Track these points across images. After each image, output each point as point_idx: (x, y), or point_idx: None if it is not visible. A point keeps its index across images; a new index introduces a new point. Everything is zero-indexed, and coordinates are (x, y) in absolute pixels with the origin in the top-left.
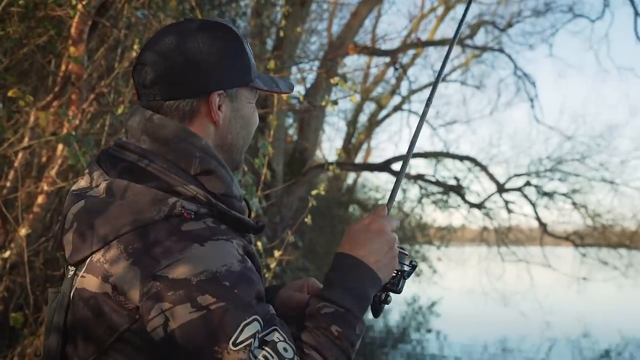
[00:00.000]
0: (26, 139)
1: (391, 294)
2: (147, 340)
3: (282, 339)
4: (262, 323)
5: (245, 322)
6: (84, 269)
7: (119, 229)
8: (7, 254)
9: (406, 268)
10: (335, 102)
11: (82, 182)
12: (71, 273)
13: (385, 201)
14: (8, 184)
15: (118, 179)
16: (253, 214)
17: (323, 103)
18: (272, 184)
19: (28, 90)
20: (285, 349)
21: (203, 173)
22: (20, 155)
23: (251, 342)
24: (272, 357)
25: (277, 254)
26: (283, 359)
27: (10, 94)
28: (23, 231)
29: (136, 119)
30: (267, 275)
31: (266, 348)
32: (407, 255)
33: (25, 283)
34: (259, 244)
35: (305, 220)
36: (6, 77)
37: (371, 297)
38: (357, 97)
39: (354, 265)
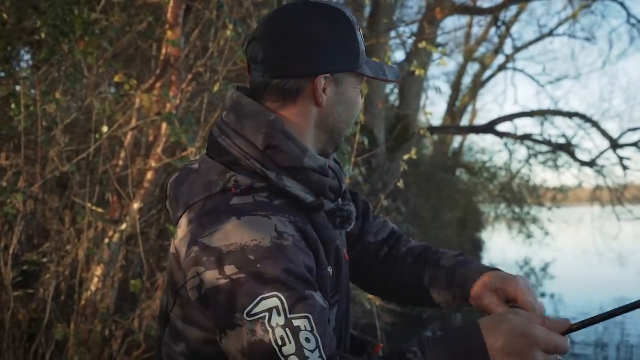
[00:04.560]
0: (133, 120)
1: None
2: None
3: (309, 328)
4: (285, 301)
5: (263, 295)
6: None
7: (188, 200)
8: (123, 226)
9: None
10: (422, 67)
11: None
12: None
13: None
14: (120, 162)
15: (203, 154)
16: (348, 180)
17: (412, 68)
18: (374, 152)
19: (134, 74)
20: (307, 339)
21: (269, 147)
22: (129, 135)
23: (265, 315)
24: (289, 342)
25: None
26: (301, 348)
27: (116, 79)
28: (136, 205)
29: (227, 97)
30: None
31: (287, 330)
32: None
33: (139, 252)
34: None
35: (398, 184)
36: (112, 63)
37: None
38: (446, 59)
39: (474, 345)
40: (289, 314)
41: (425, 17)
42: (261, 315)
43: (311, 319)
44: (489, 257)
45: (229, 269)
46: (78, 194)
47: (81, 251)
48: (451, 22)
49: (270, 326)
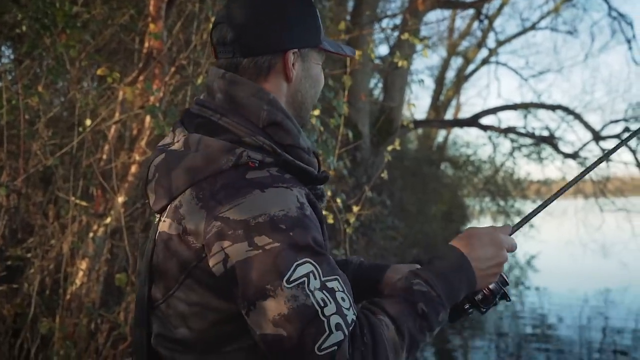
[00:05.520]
0: (117, 114)
1: (474, 309)
2: (211, 277)
3: (341, 289)
4: (316, 266)
5: (297, 262)
6: (164, 215)
7: (192, 178)
8: (108, 220)
9: (498, 295)
10: (405, 59)
11: (167, 139)
12: (157, 220)
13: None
14: (104, 156)
15: (193, 133)
16: (332, 173)
17: (395, 60)
18: (358, 145)
19: (118, 67)
20: (343, 299)
21: (270, 125)
22: (113, 129)
23: (304, 280)
24: (330, 302)
25: (355, 209)
26: (340, 307)
27: (98, 72)
28: (120, 199)
29: (212, 78)
30: (347, 230)
31: (325, 292)
32: (507, 284)
33: (124, 246)
34: (338, 200)
35: (382, 175)
36: (95, 57)
37: (461, 296)
38: (430, 54)
39: (460, 260)
40: (323, 278)
41: (408, 10)
42: (300, 281)
43: (340, 280)
44: None
45: (261, 240)
46: (62, 188)
47: (66, 245)
48: (434, 16)
49: (310, 290)
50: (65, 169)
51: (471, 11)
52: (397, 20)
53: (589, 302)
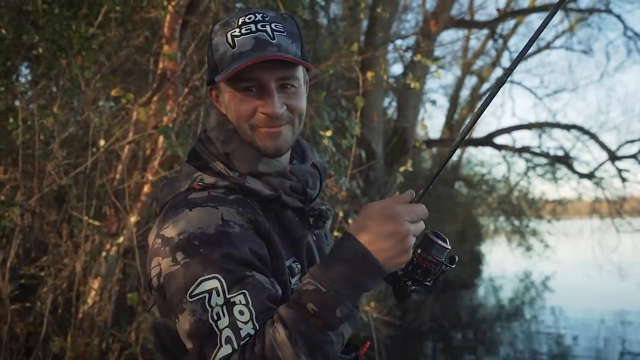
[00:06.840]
0: (131, 134)
1: (418, 286)
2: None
3: (243, 302)
4: (224, 282)
5: (203, 277)
6: None
7: (163, 200)
8: (120, 239)
9: (443, 266)
10: (418, 80)
11: None
12: None
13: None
14: (117, 176)
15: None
16: (344, 193)
17: (407, 81)
18: (372, 164)
19: (132, 88)
20: (241, 312)
21: (226, 154)
22: (126, 149)
23: (205, 296)
24: (224, 316)
25: None
26: (234, 320)
27: (113, 93)
28: (133, 218)
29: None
30: None
31: (224, 307)
32: (447, 249)
33: (136, 265)
34: (350, 221)
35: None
36: (110, 77)
37: (366, 284)
38: (444, 73)
39: (353, 248)
40: (228, 294)
41: (421, 31)
42: (201, 296)
43: (247, 294)
44: (489, 271)
45: (179, 256)
46: (75, 207)
47: (78, 264)
48: (449, 36)
49: (210, 306)
50: (79, 189)
51: (485, 31)
52: (411, 41)
53: (606, 323)
